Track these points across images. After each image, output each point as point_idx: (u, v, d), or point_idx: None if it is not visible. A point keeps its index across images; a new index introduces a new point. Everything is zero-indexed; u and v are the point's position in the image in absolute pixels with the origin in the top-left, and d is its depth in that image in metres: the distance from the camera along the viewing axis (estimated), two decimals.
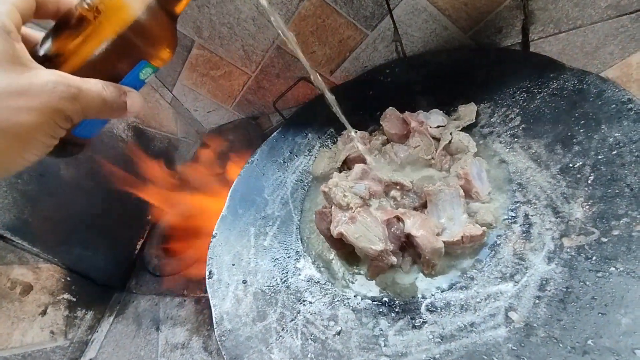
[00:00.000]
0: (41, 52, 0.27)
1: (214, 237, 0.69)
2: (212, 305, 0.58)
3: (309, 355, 0.49)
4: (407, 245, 0.53)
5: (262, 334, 0.53)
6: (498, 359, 0.39)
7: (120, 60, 0.28)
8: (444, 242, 0.50)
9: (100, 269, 0.81)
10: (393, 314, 0.50)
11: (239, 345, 0.52)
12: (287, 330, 0.53)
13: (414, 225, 0.52)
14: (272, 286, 0.61)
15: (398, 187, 0.55)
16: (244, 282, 0.62)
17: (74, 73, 0.26)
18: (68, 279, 0.74)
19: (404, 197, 0.56)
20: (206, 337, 0.63)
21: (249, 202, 0.75)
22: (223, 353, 0.51)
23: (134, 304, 0.77)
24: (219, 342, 0.53)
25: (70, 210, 0.74)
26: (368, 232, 0.50)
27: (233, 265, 0.65)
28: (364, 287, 0.55)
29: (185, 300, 0.72)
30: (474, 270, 0.49)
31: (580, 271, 0.41)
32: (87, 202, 0.78)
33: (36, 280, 0.69)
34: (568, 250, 0.44)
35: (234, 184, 0.77)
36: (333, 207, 0.55)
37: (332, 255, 0.61)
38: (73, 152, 0.30)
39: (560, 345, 0.37)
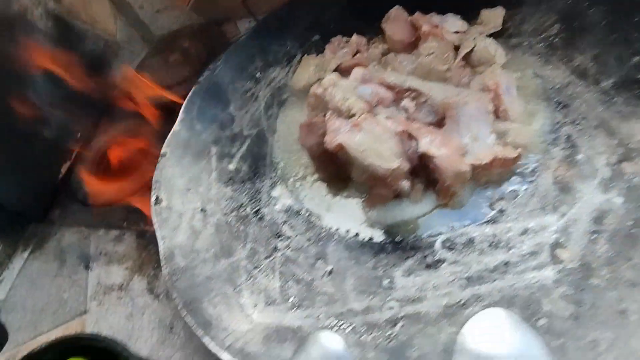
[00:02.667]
0: None
1: (163, 156, 0.54)
2: (159, 237, 0.45)
3: (291, 299, 0.38)
4: (419, 168, 0.42)
5: (228, 273, 0.41)
6: (549, 305, 0.30)
7: None
8: (471, 164, 0.39)
9: (12, 194, 0.62)
10: (398, 252, 0.40)
11: (195, 286, 0.39)
12: (261, 270, 0.41)
13: (432, 143, 0.40)
14: (241, 217, 0.48)
15: (412, 94, 0.43)
16: (203, 210, 0.48)
17: None
18: None
19: (418, 109, 0.44)
20: (152, 277, 0.50)
21: (209, 117, 0.59)
22: (174, 296, 0.38)
23: (56, 237, 0.61)
24: (168, 283, 0.40)
25: None
26: (378, 145, 0.38)
27: (188, 190, 0.51)
28: (358, 220, 0.43)
29: (124, 234, 0.57)
30: (504, 202, 0.39)
31: None
32: None
33: None
34: (632, 176, 0.35)
35: (189, 94, 0.61)
36: (328, 115, 0.42)
37: (314, 181, 0.49)
38: None
39: (636, 287, 0.29)
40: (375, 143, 0.38)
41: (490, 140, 0.42)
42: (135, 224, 0.59)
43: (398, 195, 0.43)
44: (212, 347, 0.34)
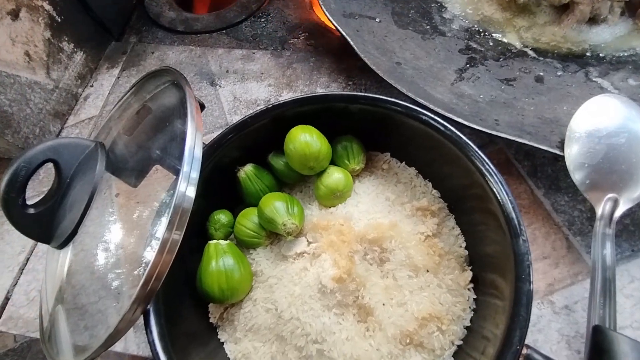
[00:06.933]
0: None
1: None
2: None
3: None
4: None
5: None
6: None
7: None
8: None
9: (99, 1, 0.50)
10: (604, 65, 0.40)
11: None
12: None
13: None
14: (419, 31, 0.45)
15: None
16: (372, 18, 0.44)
17: None
18: None
19: None
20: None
21: None
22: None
23: (156, 56, 0.52)
24: None
25: None
26: None
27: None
28: (551, 42, 0.43)
29: (254, 52, 0.50)
30: None
31: None
32: None
33: None
34: None
35: None
36: None
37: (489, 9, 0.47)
38: None
39: None
40: None
41: None
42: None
43: (594, 19, 0.43)
44: None
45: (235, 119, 0.39)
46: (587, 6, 0.42)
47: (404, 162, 0.34)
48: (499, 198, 0.25)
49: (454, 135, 0.28)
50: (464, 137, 0.27)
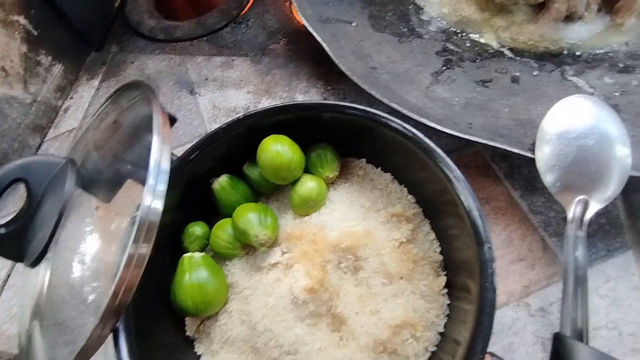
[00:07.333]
0: None
1: None
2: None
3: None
4: None
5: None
6: None
7: None
8: None
9: (78, 11, 0.50)
10: (580, 64, 0.40)
11: None
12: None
13: None
14: (397, 34, 0.45)
15: None
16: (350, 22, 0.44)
17: None
18: None
19: None
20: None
21: None
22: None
23: (136, 65, 0.52)
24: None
25: None
26: None
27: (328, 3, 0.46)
28: (528, 41, 0.43)
29: (233, 59, 0.50)
30: None
31: None
32: None
33: None
34: None
35: None
36: None
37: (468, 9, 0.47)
38: None
39: None
40: None
41: None
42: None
43: (570, 17, 0.43)
44: None
45: (215, 127, 0.39)
46: (563, 4, 0.42)
47: (379, 168, 0.34)
48: (465, 205, 0.25)
49: (422, 142, 0.28)
50: (431, 144, 0.27)
